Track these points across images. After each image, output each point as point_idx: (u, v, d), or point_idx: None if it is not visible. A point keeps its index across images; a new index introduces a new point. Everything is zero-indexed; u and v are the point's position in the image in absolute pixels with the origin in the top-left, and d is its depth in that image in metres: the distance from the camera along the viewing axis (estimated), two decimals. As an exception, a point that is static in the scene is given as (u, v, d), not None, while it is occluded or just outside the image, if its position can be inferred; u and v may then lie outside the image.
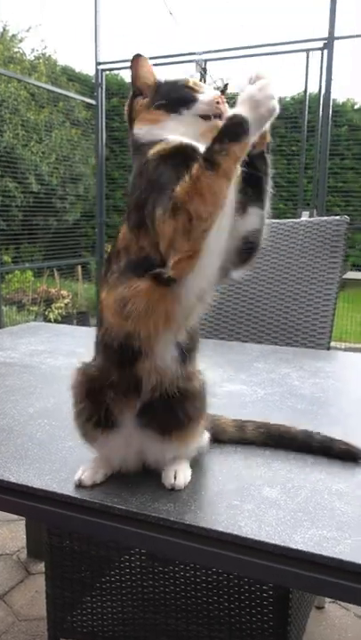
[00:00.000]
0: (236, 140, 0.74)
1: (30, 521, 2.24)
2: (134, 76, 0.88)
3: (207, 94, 0.85)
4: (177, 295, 0.79)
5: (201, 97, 0.85)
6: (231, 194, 0.79)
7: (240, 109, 0.75)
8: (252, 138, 0.76)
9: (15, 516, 2.50)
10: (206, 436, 0.99)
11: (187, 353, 0.85)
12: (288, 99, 7.71)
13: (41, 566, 2.18)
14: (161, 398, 0.85)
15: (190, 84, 0.87)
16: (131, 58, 0.87)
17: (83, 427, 0.91)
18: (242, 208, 0.83)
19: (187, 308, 0.82)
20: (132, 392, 0.86)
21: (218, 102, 0.84)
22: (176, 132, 0.83)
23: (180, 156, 0.79)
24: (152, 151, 0.82)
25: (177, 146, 0.81)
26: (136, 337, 0.81)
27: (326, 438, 1.00)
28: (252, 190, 0.83)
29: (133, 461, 0.91)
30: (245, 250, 0.85)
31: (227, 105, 0.84)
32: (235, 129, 0.75)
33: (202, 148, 0.78)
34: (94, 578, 1.49)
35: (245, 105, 0.75)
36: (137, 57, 0.87)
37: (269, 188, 0.87)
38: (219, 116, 0.83)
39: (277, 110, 0.75)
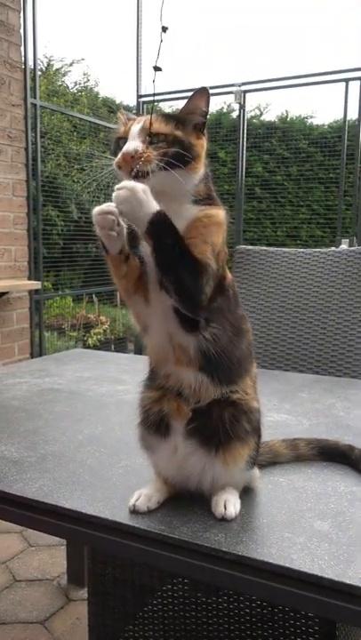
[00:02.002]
0: None
1: (71, 547, 2.25)
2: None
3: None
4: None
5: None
6: None
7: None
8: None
9: (56, 541, 2.51)
10: (257, 472, 1.00)
11: (215, 376, 0.88)
12: (326, 126, 7.75)
13: (81, 593, 2.19)
14: (208, 413, 0.88)
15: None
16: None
17: (140, 430, 0.96)
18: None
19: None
20: (179, 397, 0.90)
21: (119, 166, 0.86)
22: None
23: None
24: None
25: None
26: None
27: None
28: None
29: (180, 475, 0.93)
30: None
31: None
32: None
33: None
34: (136, 607, 1.49)
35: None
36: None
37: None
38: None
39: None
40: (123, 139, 0.87)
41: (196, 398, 0.89)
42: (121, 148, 0.85)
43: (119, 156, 0.84)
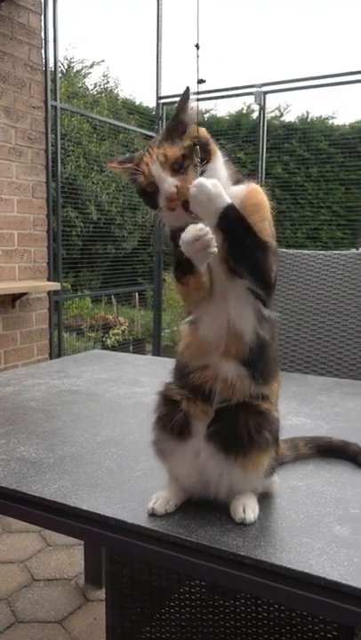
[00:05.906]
0: None
1: (89, 547, 2.26)
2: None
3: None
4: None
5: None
6: None
7: None
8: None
9: (73, 541, 2.52)
10: (277, 479, 0.99)
11: (254, 372, 0.88)
12: (347, 126, 7.69)
13: (98, 593, 2.20)
14: (233, 417, 0.87)
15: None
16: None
17: (157, 433, 0.94)
18: None
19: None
20: (204, 397, 0.89)
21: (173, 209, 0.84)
22: None
23: None
24: None
25: None
26: None
27: (358, 449, 1.15)
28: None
29: (200, 481, 0.92)
30: None
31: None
32: None
33: None
34: (154, 608, 1.49)
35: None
36: None
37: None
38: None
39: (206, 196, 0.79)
40: (149, 184, 0.85)
41: (225, 395, 0.88)
42: (154, 194, 0.85)
43: (163, 203, 0.83)
